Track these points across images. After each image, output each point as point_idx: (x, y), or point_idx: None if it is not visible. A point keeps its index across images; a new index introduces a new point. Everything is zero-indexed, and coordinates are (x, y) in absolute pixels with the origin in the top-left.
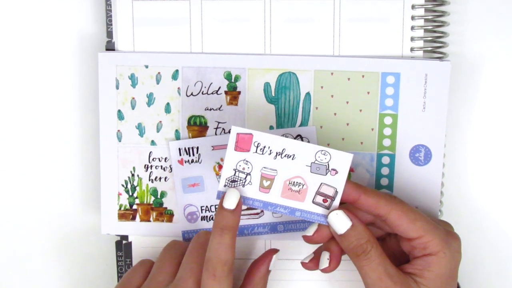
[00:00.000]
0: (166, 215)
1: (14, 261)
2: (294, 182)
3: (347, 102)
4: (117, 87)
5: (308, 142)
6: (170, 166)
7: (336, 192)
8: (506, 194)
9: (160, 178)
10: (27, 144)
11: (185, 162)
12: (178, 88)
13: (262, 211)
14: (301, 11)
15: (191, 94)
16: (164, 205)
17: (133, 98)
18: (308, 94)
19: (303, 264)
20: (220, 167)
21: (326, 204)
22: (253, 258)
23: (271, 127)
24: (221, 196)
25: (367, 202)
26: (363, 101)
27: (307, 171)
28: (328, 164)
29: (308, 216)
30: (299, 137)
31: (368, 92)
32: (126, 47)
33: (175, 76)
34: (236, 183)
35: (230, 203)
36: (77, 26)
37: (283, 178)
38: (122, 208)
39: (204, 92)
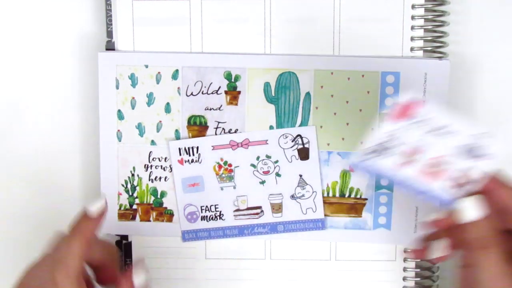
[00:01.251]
0: (166, 215)
1: (14, 261)
2: (436, 162)
3: (347, 102)
4: (117, 87)
5: (308, 142)
6: (170, 166)
7: (477, 178)
8: None
9: (160, 178)
10: (27, 144)
11: (185, 162)
12: (178, 88)
13: (262, 211)
14: (301, 11)
15: (191, 94)
16: (164, 205)
17: (133, 98)
18: (308, 93)
19: (414, 251)
20: (220, 167)
21: (459, 188)
22: (252, 258)
23: (271, 127)
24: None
25: (502, 196)
26: (363, 101)
27: (455, 153)
28: (480, 149)
29: (435, 198)
30: (299, 136)
31: (368, 92)
32: (126, 47)
33: (175, 76)
34: (377, 152)
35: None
36: (77, 26)
37: (426, 156)
38: (122, 208)
39: (204, 92)
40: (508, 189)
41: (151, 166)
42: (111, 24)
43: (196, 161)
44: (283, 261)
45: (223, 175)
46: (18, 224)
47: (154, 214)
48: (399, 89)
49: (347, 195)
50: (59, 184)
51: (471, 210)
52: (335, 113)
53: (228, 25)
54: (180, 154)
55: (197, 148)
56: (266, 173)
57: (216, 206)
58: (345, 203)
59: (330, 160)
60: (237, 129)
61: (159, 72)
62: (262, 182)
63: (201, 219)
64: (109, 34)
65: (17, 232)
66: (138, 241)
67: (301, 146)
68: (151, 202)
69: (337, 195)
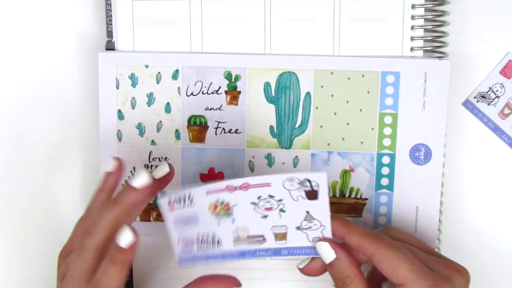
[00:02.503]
0: None
1: (14, 263)
2: None
3: (347, 102)
4: (117, 87)
5: (318, 185)
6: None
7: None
8: (506, 194)
9: None
10: (27, 144)
11: (176, 209)
12: (178, 88)
13: (264, 239)
14: (301, 11)
15: (191, 93)
16: None
17: (133, 98)
18: (308, 93)
19: (300, 269)
20: (216, 207)
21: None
22: (250, 269)
23: (271, 127)
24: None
25: (351, 241)
26: (363, 101)
27: None
28: None
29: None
30: (307, 180)
31: (368, 92)
32: (126, 47)
33: (175, 76)
34: (485, 99)
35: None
36: (77, 26)
37: None
38: None
39: (204, 92)
40: (355, 235)
41: (152, 166)
42: (111, 24)
43: (188, 206)
44: (283, 261)
45: (220, 213)
46: (17, 224)
47: (154, 214)
48: (399, 89)
49: (347, 195)
50: (59, 184)
51: (324, 254)
52: (335, 113)
53: (228, 25)
54: (170, 205)
55: (189, 196)
56: (269, 209)
57: (214, 235)
58: (345, 203)
59: (330, 160)
60: (237, 129)
61: (159, 72)
62: (265, 216)
63: (197, 248)
64: (109, 34)
65: (15, 231)
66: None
67: (309, 189)
68: (151, 202)
69: (337, 195)
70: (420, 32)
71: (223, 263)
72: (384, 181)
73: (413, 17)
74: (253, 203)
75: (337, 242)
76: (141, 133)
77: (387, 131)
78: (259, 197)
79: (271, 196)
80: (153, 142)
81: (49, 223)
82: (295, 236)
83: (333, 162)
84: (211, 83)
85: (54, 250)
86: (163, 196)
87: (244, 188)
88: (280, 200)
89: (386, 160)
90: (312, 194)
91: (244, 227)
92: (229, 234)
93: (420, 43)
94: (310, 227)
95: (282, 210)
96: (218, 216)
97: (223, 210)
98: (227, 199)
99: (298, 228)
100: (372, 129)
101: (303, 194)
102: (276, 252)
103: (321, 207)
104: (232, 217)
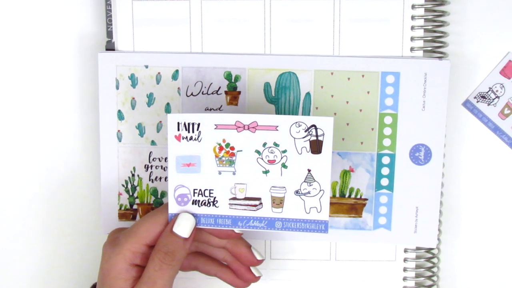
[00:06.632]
0: None
1: (14, 262)
2: None
3: (347, 102)
4: (117, 87)
5: (323, 134)
6: None
7: None
8: (506, 194)
9: (160, 178)
10: (27, 144)
11: (183, 139)
12: (178, 88)
13: (260, 203)
14: (301, 11)
15: (191, 94)
16: None
17: (133, 98)
18: (308, 94)
19: None
20: (221, 149)
21: None
22: None
23: None
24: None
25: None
26: (363, 101)
27: None
28: None
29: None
30: (314, 127)
31: (368, 92)
32: (126, 47)
33: (175, 76)
34: (485, 99)
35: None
36: (77, 26)
37: None
38: (123, 208)
39: (204, 92)
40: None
41: (151, 166)
42: (111, 24)
43: (195, 139)
44: (283, 261)
45: (223, 158)
46: (18, 224)
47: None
48: (399, 89)
49: (347, 195)
50: (59, 184)
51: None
52: (335, 113)
53: (228, 25)
54: (179, 129)
55: (198, 125)
56: (272, 162)
57: (211, 191)
58: (345, 203)
59: None
60: None
61: (159, 73)
62: (266, 172)
63: (192, 203)
64: (109, 34)
65: (17, 232)
66: None
67: (314, 138)
68: (152, 202)
69: (337, 195)
70: (420, 32)
71: (214, 227)
72: (384, 181)
73: (413, 17)
74: (257, 152)
75: None
76: (141, 133)
77: (387, 131)
78: (264, 144)
79: (276, 145)
80: (153, 142)
81: (49, 224)
82: (292, 204)
83: (333, 162)
84: (211, 83)
85: (54, 251)
86: (174, 113)
87: (252, 128)
88: (284, 151)
89: (386, 160)
90: (316, 146)
91: (243, 183)
92: (227, 191)
93: (420, 43)
94: (309, 192)
95: (284, 166)
96: (220, 163)
97: (227, 155)
98: (234, 141)
99: (296, 192)
100: (372, 129)
101: (307, 146)
102: (270, 223)
103: (323, 164)
104: (234, 167)
